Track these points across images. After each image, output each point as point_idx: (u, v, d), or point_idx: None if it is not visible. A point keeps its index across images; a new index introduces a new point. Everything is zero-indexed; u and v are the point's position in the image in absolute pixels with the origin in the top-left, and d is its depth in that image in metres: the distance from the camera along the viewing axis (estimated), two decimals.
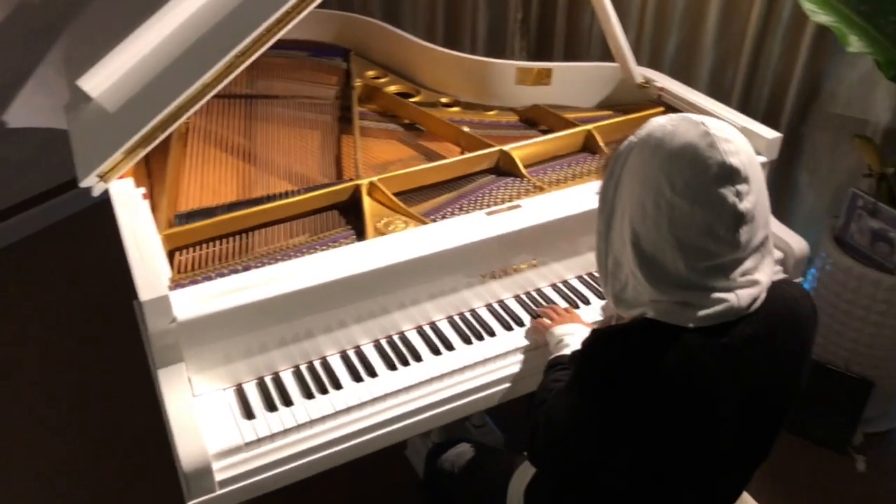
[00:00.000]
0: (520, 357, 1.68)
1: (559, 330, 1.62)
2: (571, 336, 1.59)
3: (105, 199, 3.83)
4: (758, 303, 1.18)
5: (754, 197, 1.12)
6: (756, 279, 1.16)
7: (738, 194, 1.10)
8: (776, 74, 2.74)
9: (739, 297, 1.14)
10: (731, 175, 1.09)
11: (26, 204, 3.53)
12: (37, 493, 2.40)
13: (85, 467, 2.48)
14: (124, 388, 2.75)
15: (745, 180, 1.11)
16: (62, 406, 2.71)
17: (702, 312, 1.14)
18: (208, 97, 1.73)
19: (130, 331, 2.91)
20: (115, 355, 2.89)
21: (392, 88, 2.51)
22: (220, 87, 1.73)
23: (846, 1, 2.26)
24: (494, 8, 3.34)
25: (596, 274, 1.90)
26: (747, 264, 1.15)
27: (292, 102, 2.34)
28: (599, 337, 1.22)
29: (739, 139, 1.13)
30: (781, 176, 2.84)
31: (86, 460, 2.50)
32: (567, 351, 1.55)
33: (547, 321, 1.69)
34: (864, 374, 2.42)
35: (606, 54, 3.00)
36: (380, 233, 1.73)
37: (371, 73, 2.61)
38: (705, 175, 1.09)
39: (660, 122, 1.17)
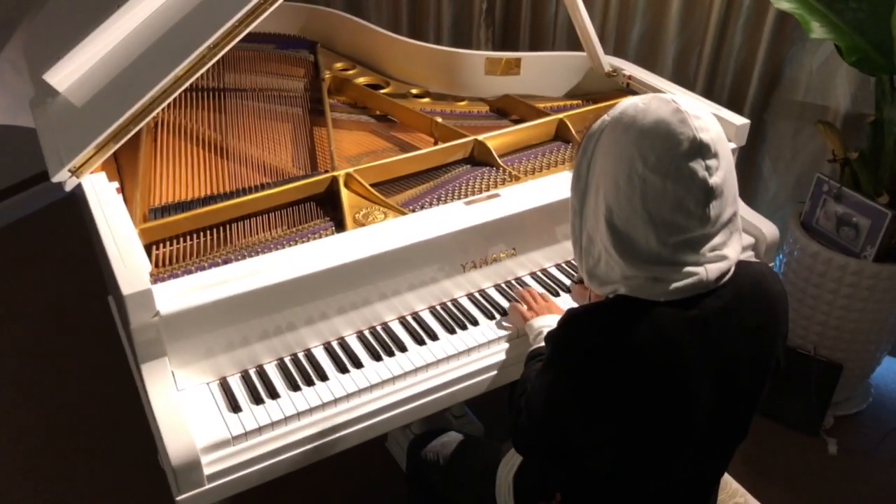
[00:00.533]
0: (505, 345, 1.68)
1: (538, 322, 1.63)
2: (550, 328, 1.60)
3: (60, 199, 3.76)
4: (726, 277, 1.21)
5: (723, 173, 1.15)
6: (724, 254, 1.19)
7: (708, 169, 1.12)
8: (739, 62, 2.77)
9: (708, 270, 1.17)
10: (702, 150, 1.12)
11: None
12: (13, 490, 2.35)
13: (59, 466, 2.43)
14: (98, 383, 2.72)
15: (714, 155, 1.13)
16: (34, 404, 2.66)
17: (672, 286, 1.16)
18: (181, 89, 1.70)
19: (99, 327, 2.89)
20: (85, 352, 2.85)
21: (361, 80, 2.50)
22: (193, 78, 1.70)
23: None
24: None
25: (574, 262, 1.91)
26: (716, 240, 1.18)
27: (262, 95, 2.31)
28: (574, 314, 1.24)
29: (709, 116, 1.16)
30: (745, 163, 2.88)
31: (60, 458, 2.46)
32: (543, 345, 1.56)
33: (524, 309, 1.69)
34: (832, 357, 2.47)
35: (571, 44, 3.04)
36: (359, 224, 1.72)
37: (339, 65, 2.60)
38: (677, 150, 1.12)
39: (632, 101, 1.19)
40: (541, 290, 1.81)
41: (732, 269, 1.21)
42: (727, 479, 1.64)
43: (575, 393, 1.20)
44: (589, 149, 1.22)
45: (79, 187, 1.71)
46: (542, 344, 1.56)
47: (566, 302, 1.78)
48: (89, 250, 3.02)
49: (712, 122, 1.15)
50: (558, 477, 1.41)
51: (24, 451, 2.48)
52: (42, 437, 2.53)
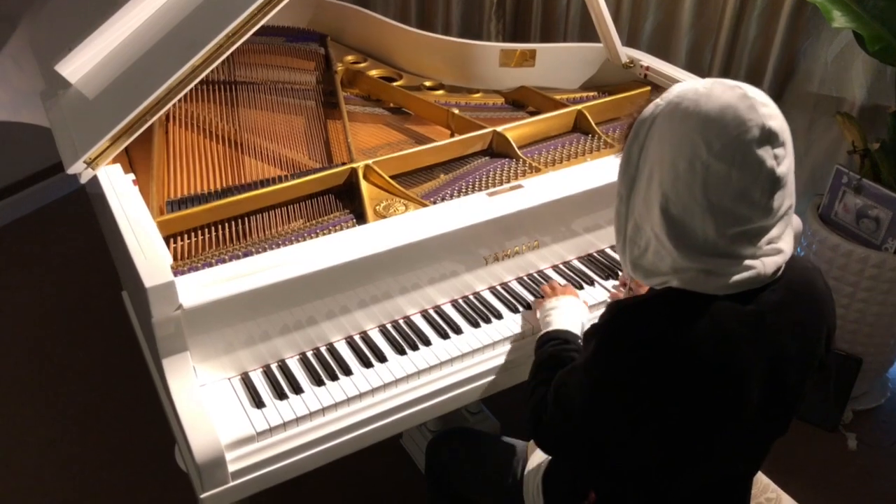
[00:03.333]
0: (531, 338, 1.65)
1: (547, 304, 1.60)
2: (555, 310, 1.57)
3: (64, 196, 3.72)
4: (780, 271, 1.16)
5: (789, 161, 1.11)
6: (780, 247, 1.15)
7: (776, 158, 1.08)
8: (753, 54, 2.75)
9: (765, 264, 1.13)
10: (771, 138, 1.07)
11: None
12: (21, 489, 2.31)
13: (67, 465, 2.39)
14: (107, 380, 2.69)
15: (782, 144, 1.09)
16: (41, 402, 2.62)
17: (728, 280, 1.12)
18: (198, 80, 1.66)
19: (108, 324, 2.86)
20: (93, 349, 2.82)
21: (373, 73, 2.46)
22: (210, 68, 1.66)
23: None
24: None
25: (597, 254, 1.88)
26: (774, 232, 1.14)
27: (274, 88, 2.28)
28: (622, 309, 1.19)
29: (773, 104, 1.11)
30: None
31: (69, 457, 2.42)
32: (552, 327, 1.53)
33: (547, 290, 1.67)
34: (851, 351, 2.44)
35: (584, 37, 3.01)
36: (380, 216, 1.69)
37: (350, 57, 2.57)
38: (745, 137, 1.07)
39: (690, 86, 1.14)
40: (563, 282, 1.77)
41: (784, 263, 1.17)
42: (758, 474, 1.60)
43: (623, 389, 1.16)
44: (641, 134, 1.17)
45: (93, 181, 1.67)
46: (549, 328, 1.53)
47: (587, 294, 1.75)
48: (96, 246, 2.98)
49: (778, 110, 1.10)
50: (591, 476, 1.38)
51: (32, 450, 2.44)
52: (50, 435, 2.49)
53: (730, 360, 1.13)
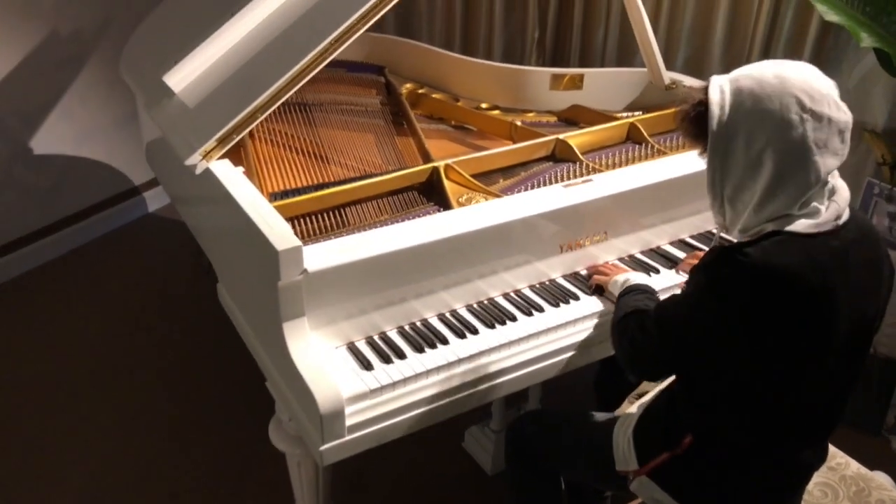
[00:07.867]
0: (605, 319, 1.78)
1: (620, 277, 1.76)
2: (630, 276, 1.75)
3: (126, 223, 3.82)
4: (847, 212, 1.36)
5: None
6: (840, 185, 1.36)
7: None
8: None
9: (838, 202, 1.33)
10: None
11: (48, 230, 3.56)
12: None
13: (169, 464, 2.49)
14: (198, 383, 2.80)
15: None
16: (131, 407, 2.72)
17: (818, 219, 1.30)
18: (297, 87, 1.81)
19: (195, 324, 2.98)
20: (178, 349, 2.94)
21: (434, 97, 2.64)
22: (307, 79, 1.80)
23: (852, 3, 2.46)
24: (510, 28, 3.51)
25: (654, 248, 2.02)
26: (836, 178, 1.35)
27: (344, 109, 2.44)
28: (725, 248, 1.35)
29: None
30: None
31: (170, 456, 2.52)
32: (632, 283, 1.70)
33: (602, 277, 1.81)
34: (890, 355, 2.56)
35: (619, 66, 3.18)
36: (462, 206, 1.83)
37: (409, 85, 2.73)
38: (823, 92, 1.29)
39: (742, 73, 1.34)
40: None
41: None
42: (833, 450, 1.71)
43: (723, 308, 1.31)
44: (723, 114, 1.31)
45: (203, 175, 1.79)
46: (632, 284, 1.71)
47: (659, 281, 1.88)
48: (164, 261, 3.10)
49: None
50: (686, 415, 1.49)
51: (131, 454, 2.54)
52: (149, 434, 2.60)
53: (822, 288, 1.28)
